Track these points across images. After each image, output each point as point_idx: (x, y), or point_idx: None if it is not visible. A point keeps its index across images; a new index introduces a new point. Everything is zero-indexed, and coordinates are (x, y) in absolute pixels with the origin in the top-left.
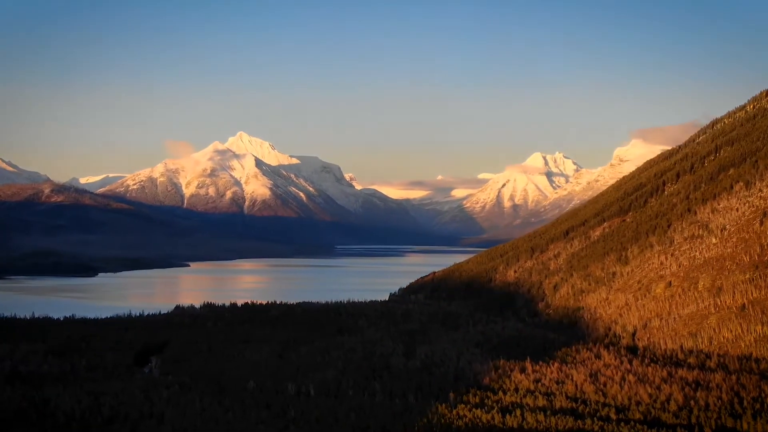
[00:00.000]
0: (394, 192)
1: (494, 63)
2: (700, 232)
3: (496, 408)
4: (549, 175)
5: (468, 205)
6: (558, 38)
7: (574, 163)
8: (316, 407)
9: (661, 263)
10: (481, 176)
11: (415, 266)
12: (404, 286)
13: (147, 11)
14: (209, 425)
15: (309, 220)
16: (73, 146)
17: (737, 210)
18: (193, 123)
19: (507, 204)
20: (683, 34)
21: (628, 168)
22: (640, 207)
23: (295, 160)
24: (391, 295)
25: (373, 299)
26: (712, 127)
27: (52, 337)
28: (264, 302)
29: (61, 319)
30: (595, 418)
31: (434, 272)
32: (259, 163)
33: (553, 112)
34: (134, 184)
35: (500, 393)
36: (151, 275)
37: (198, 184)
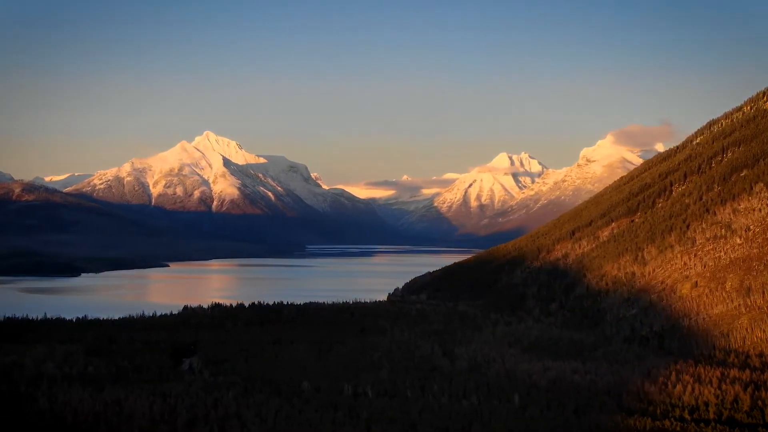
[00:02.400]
0: (359, 192)
1: (459, 64)
2: (723, 233)
3: (569, 409)
4: (515, 175)
5: (435, 204)
6: (523, 40)
7: (540, 164)
8: (385, 408)
9: (685, 263)
10: (446, 176)
11: (394, 266)
12: (400, 286)
13: (112, 8)
14: (293, 427)
15: (278, 219)
16: (35, 145)
17: (760, 210)
18: (159, 122)
19: (474, 204)
20: (646, 37)
21: (596, 168)
22: (648, 207)
23: (262, 160)
24: (390, 295)
25: (369, 299)
26: (710, 128)
27: (79, 338)
28: (271, 303)
29: (74, 320)
30: (671, 419)
31: (431, 272)
32: (227, 162)
33: (518, 112)
34: (101, 184)
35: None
36: (136, 275)
37: (166, 184)
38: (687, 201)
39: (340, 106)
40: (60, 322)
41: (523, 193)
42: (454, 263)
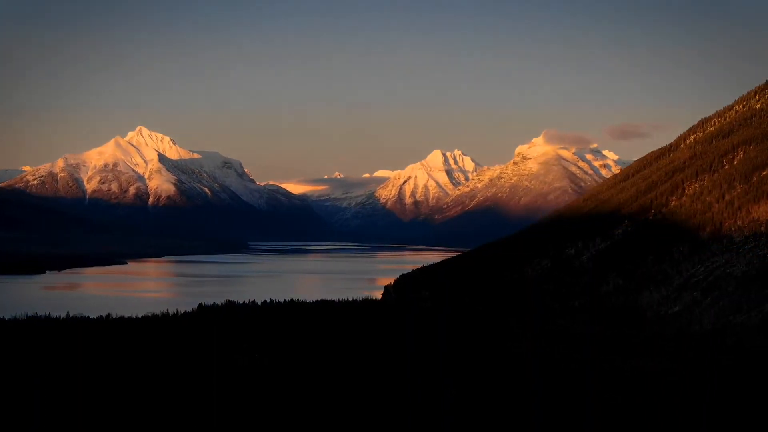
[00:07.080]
0: (292, 188)
1: (391, 62)
2: (764, 231)
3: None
4: (449, 172)
5: (370, 201)
6: (455, 36)
7: (473, 161)
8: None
9: (726, 261)
10: (379, 173)
11: (351, 263)
12: (390, 285)
13: (42, 3)
14: None
15: (215, 215)
16: None
17: None
18: (91, 117)
19: (409, 201)
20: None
21: (532, 165)
22: (663, 206)
23: (196, 155)
24: (385, 293)
25: (360, 297)
26: (702, 127)
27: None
28: (282, 301)
29: (95, 318)
30: None
31: (417, 269)
32: (162, 158)
33: (450, 109)
34: (34, 179)
35: None
36: (103, 272)
37: (100, 180)
38: (709, 199)
39: (268, 101)
40: (88, 321)
41: (458, 190)
42: (442, 260)
